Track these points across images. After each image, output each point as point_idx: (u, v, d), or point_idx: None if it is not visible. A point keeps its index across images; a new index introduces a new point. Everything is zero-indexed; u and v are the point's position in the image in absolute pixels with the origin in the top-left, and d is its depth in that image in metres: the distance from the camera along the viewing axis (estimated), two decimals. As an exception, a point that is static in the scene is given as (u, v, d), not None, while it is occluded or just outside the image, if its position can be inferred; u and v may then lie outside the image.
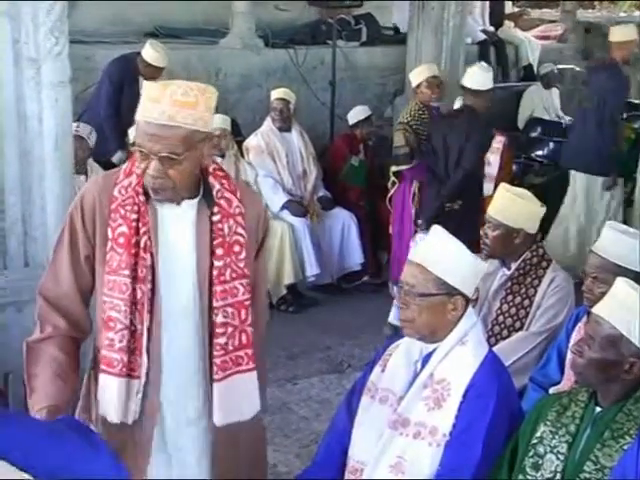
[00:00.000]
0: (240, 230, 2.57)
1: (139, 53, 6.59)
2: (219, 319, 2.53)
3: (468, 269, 2.66)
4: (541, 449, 2.46)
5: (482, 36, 10.10)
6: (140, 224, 2.49)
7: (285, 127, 6.43)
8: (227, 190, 2.57)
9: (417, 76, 6.05)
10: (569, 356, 3.16)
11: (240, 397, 2.59)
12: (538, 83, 9.16)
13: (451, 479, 2.54)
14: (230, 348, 2.56)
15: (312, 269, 6.20)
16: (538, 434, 2.48)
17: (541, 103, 9.06)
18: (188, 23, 8.56)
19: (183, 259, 2.55)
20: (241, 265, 2.56)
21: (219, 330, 2.54)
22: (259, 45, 8.29)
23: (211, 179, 2.55)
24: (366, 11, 9.08)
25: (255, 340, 2.65)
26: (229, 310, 2.55)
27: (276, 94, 6.47)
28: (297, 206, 6.25)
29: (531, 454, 2.48)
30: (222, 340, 2.54)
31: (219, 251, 2.53)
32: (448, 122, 5.70)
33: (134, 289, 2.50)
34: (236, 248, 2.56)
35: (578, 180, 6.79)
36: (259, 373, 2.69)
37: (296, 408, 4.73)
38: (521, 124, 8.88)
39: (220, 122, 6.11)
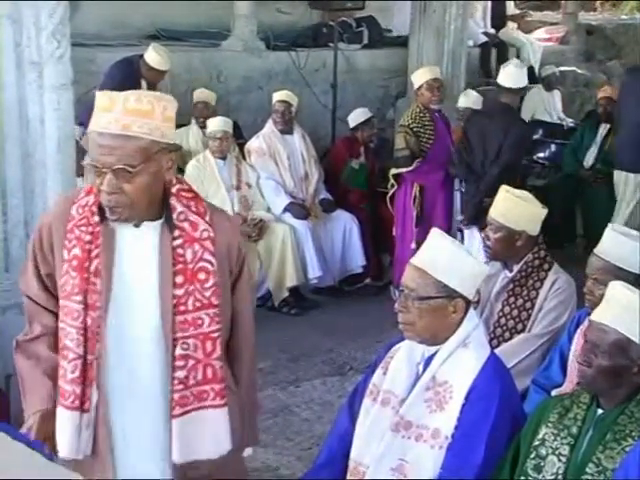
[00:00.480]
0: (207, 256, 2.38)
1: (141, 56, 6.60)
2: (178, 351, 2.36)
3: (468, 271, 2.65)
4: (543, 451, 2.46)
5: (484, 38, 10.11)
6: (93, 246, 2.34)
7: (287, 130, 6.43)
8: (193, 212, 2.38)
9: (418, 78, 6.05)
10: (571, 359, 3.17)
11: (203, 435, 2.42)
12: (540, 85, 9.16)
13: (453, 481, 2.54)
14: (191, 382, 2.38)
15: (314, 271, 6.20)
16: (540, 436, 2.49)
17: (542, 105, 9.07)
18: (190, 25, 8.57)
19: (143, 286, 2.38)
20: (207, 294, 2.38)
21: (178, 363, 2.36)
22: (261, 48, 8.30)
23: (173, 200, 2.37)
24: (368, 14, 9.09)
25: (240, 372, 2.55)
26: (190, 342, 2.37)
27: (278, 96, 6.48)
28: (299, 209, 6.25)
29: (533, 456, 2.48)
30: (181, 374, 2.37)
31: (179, 279, 2.35)
32: (485, 119, 5.83)
33: (86, 316, 2.35)
34: (201, 275, 2.37)
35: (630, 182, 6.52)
36: (248, 405, 2.60)
37: (298, 410, 4.73)
38: None
39: (222, 124, 6.12)
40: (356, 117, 6.90)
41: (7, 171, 3.37)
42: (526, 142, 5.99)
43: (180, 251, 2.36)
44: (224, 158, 6.12)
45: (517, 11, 11.93)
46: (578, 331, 3.17)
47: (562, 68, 9.60)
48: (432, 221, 5.80)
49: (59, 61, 3.35)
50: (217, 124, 6.13)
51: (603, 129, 7.49)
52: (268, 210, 6.23)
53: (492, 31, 10.55)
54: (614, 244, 3.10)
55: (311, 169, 6.52)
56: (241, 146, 6.58)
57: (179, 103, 7.27)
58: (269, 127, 6.44)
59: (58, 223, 2.38)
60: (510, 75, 5.71)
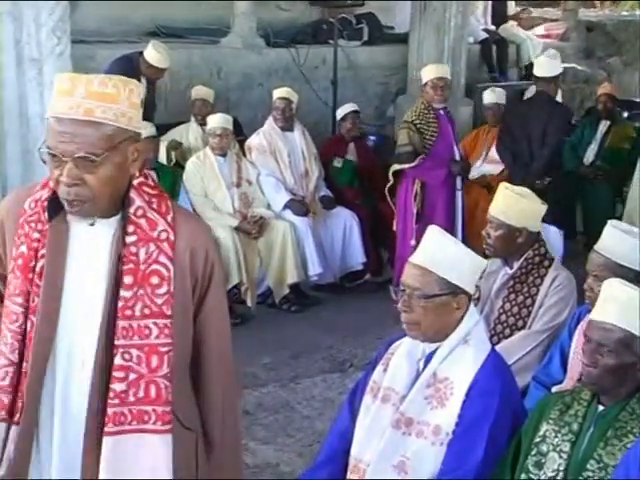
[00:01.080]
0: (163, 259, 2.13)
1: (141, 53, 6.60)
2: (117, 360, 2.10)
3: (468, 266, 2.66)
4: (544, 448, 2.46)
5: (484, 35, 10.10)
6: (40, 245, 2.13)
7: (287, 126, 6.43)
8: (153, 210, 2.14)
9: (425, 75, 6.03)
10: (571, 356, 3.18)
11: (137, 461, 2.14)
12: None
13: (454, 478, 2.54)
14: (130, 399, 2.12)
15: (314, 268, 6.19)
16: (541, 433, 2.49)
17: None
18: (190, 22, 8.57)
19: (91, 290, 2.15)
20: (158, 301, 2.12)
21: (116, 374, 2.10)
22: (260, 44, 8.29)
23: (132, 193, 2.13)
24: (368, 10, 9.08)
25: (210, 416, 2.28)
26: (133, 352, 2.12)
27: (278, 93, 6.47)
28: (299, 205, 6.25)
29: (534, 453, 2.48)
30: (119, 387, 2.11)
31: (128, 279, 2.11)
32: (526, 108, 6.19)
33: (25, 320, 2.13)
34: (154, 280, 2.12)
35: None
36: (227, 465, 2.36)
37: (298, 407, 4.73)
38: None
39: (221, 121, 6.12)
40: (342, 110, 6.94)
41: (8, 167, 3.37)
42: (568, 124, 6.37)
43: (132, 249, 2.12)
44: (224, 155, 6.11)
45: (518, 8, 11.92)
46: (579, 327, 3.17)
47: (562, 65, 9.59)
48: (433, 219, 5.78)
49: (59, 58, 3.36)
50: (217, 121, 6.12)
51: (603, 126, 7.49)
52: (268, 207, 6.23)
53: (492, 28, 10.53)
54: (614, 241, 3.11)
55: (311, 166, 6.51)
56: (241, 143, 6.58)
57: (179, 100, 7.27)
58: (269, 124, 6.43)
59: (11, 216, 2.18)
60: (543, 65, 6.11)
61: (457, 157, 6.09)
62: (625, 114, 8.41)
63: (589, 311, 2.74)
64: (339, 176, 6.76)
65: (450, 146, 6.06)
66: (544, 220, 5.72)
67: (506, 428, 2.58)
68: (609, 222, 3.19)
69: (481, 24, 10.43)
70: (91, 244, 2.15)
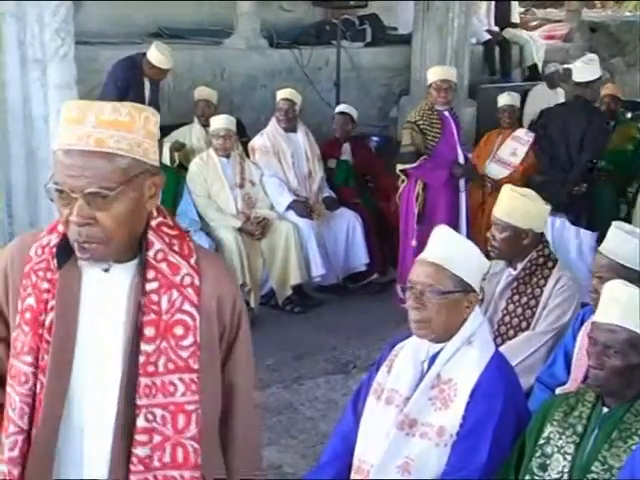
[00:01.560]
0: (188, 307, 1.92)
1: (144, 54, 6.60)
2: (140, 422, 1.89)
3: (477, 265, 2.69)
4: (548, 449, 2.46)
5: (487, 36, 10.09)
6: (50, 296, 1.91)
7: (290, 127, 6.42)
8: (175, 252, 1.94)
9: (430, 76, 6.04)
10: (575, 357, 3.17)
11: None
12: (543, 83, 9.15)
13: (458, 478, 2.53)
14: (155, 464, 1.91)
15: (317, 269, 6.19)
16: (545, 434, 2.48)
17: (546, 103, 9.04)
18: (193, 24, 8.58)
19: (108, 344, 1.93)
20: (184, 355, 1.91)
21: (139, 438, 1.90)
22: (264, 46, 8.30)
23: (151, 235, 1.92)
24: (371, 11, 9.08)
25: (235, 467, 2.07)
26: (157, 412, 1.91)
27: (282, 94, 6.47)
28: (302, 206, 6.24)
29: (538, 454, 2.47)
30: (142, 451, 1.90)
31: (149, 331, 1.90)
32: (565, 112, 6.19)
33: (35, 381, 1.91)
34: (178, 330, 1.91)
35: None
36: None
37: (302, 408, 4.72)
38: (526, 124, 8.87)
39: (225, 122, 6.12)
40: (337, 108, 6.99)
41: (11, 169, 3.37)
42: (606, 134, 6.36)
43: (154, 297, 1.90)
44: (228, 156, 6.11)
45: (521, 10, 11.91)
46: (582, 329, 3.16)
47: (565, 65, 9.58)
48: (434, 220, 5.78)
49: (63, 59, 3.36)
50: (220, 122, 6.12)
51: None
52: (271, 208, 6.23)
53: (496, 29, 10.52)
54: (618, 242, 3.11)
55: (314, 167, 6.51)
56: (244, 144, 6.58)
57: (182, 101, 7.27)
58: (273, 125, 6.43)
59: (16, 266, 1.96)
60: (579, 70, 6.12)
61: (461, 159, 6.08)
62: (628, 115, 8.39)
63: (593, 312, 2.74)
64: (334, 177, 6.77)
65: (454, 148, 6.05)
66: (577, 224, 5.90)
67: (510, 429, 2.58)
68: (613, 223, 3.19)
69: (484, 25, 10.43)
70: (106, 292, 1.93)
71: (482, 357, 2.62)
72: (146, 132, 1.89)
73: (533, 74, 10.34)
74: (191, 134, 6.80)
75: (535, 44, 10.54)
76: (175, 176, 5.99)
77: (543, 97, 8.98)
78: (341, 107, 7.03)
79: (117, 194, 1.82)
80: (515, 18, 11.21)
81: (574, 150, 5.99)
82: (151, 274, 1.91)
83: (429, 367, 2.66)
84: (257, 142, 6.39)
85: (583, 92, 6.06)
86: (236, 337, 2.03)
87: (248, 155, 6.40)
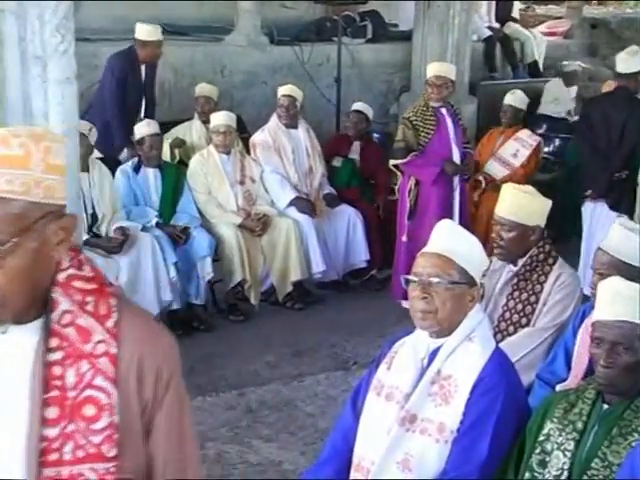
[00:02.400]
0: (101, 381, 1.58)
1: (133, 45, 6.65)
2: None
3: (480, 260, 2.72)
4: (548, 446, 2.46)
5: (488, 33, 10.09)
6: None
7: (291, 124, 6.42)
8: (88, 313, 1.59)
9: (427, 72, 6.06)
10: (575, 354, 3.17)
11: None
12: (557, 79, 9.13)
13: (458, 477, 2.53)
14: None
15: (318, 266, 6.19)
16: (545, 431, 2.48)
17: (562, 97, 9.02)
18: (194, 20, 8.58)
19: (6, 426, 1.59)
20: (95, 440, 1.57)
21: None
22: (264, 42, 8.30)
23: (57, 292, 1.59)
24: (371, 8, 9.07)
25: None
26: None
27: (283, 91, 6.46)
28: (305, 203, 6.25)
29: (538, 451, 2.47)
30: None
31: (52, 412, 1.56)
32: (607, 102, 6.29)
33: None
34: (88, 410, 1.57)
35: None
36: None
37: (302, 405, 4.73)
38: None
39: (225, 119, 6.11)
40: (354, 105, 6.95)
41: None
42: None
43: (56, 370, 1.57)
44: (228, 153, 6.11)
45: (522, 6, 11.90)
46: (583, 325, 3.16)
47: (565, 62, 9.58)
48: (425, 216, 5.80)
49: (63, 55, 3.36)
50: (220, 119, 6.12)
51: (608, 123, 7.47)
52: (271, 204, 6.23)
53: (496, 25, 10.51)
54: (620, 239, 3.11)
55: (315, 164, 6.51)
56: (245, 140, 6.58)
57: (182, 97, 7.26)
58: (274, 121, 6.42)
59: None
60: (624, 61, 6.22)
61: (455, 157, 6.04)
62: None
63: (593, 308, 2.74)
64: (337, 176, 6.73)
65: (447, 145, 6.02)
66: (616, 209, 5.95)
67: (511, 426, 2.58)
68: (616, 220, 3.19)
69: (485, 22, 10.42)
70: (3, 360, 1.59)
71: (483, 353, 2.61)
72: (46, 166, 1.53)
73: (534, 71, 10.34)
74: (191, 130, 6.79)
75: (536, 40, 10.53)
76: (176, 172, 6.00)
77: (560, 92, 8.97)
78: (358, 105, 6.96)
79: (11, 247, 1.51)
80: (515, 14, 11.20)
81: (615, 138, 6.09)
82: (54, 342, 1.57)
83: (429, 363, 2.65)
84: (258, 138, 6.38)
85: (627, 83, 6.14)
86: (160, 408, 1.67)
87: (249, 151, 6.40)
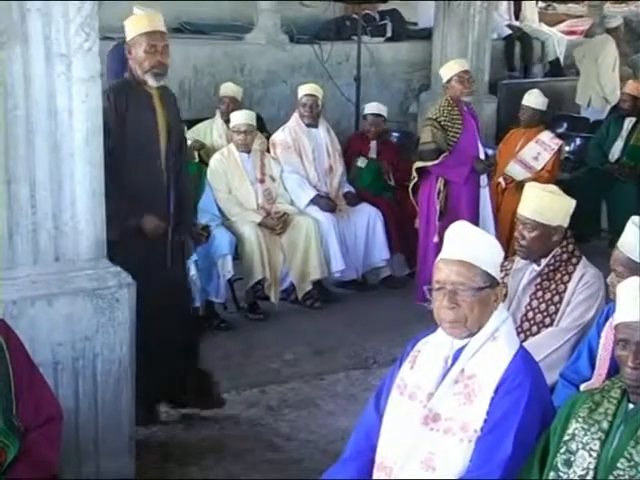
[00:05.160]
0: None
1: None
2: None
3: (499, 257, 2.71)
4: (573, 446, 2.44)
5: (508, 31, 10.06)
6: None
7: (313, 123, 6.42)
8: None
9: (447, 71, 6.01)
10: (600, 353, 3.16)
11: None
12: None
13: (481, 476, 2.52)
14: None
15: (337, 265, 6.20)
16: (570, 431, 2.47)
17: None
18: (214, 19, 8.60)
19: None
20: None
21: None
22: (284, 41, 8.31)
23: None
24: (391, 7, 9.08)
25: None
26: None
27: (305, 90, 6.45)
28: (327, 201, 6.26)
29: (563, 451, 2.46)
30: None
31: None
32: None
33: None
34: None
35: None
36: None
37: (322, 404, 4.73)
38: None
39: (246, 118, 6.12)
40: (367, 108, 6.95)
41: (36, 163, 3.38)
42: None
43: None
44: (248, 151, 6.12)
45: (542, 4, 11.86)
46: (607, 324, 3.15)
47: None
48: (457, 216, 5.75)
49: (87, 54, 3.35)
50: (241, 117, 6.13)
51: (628, 123, 7.43)
52: (291, 203, 6.24)
53: (516, 24, 10.48)
54: (633, 238, 3.11)
55: (335, 163, 6.51)
56: (266, 139, 6.58)
57: (202, 96, 7.26)
58: (295, 120, 6.42)
59: None
60: None
61: (482, 155, 6.06)
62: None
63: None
64: (361, 177, 6.73)
65: (474, 143, 6.03)
66: None
67: (535, 425, 2.57)
68: (631, 219, 3.18)
69: (505, 20, 10.39)
70: None
71: (507, 352, 2.60)
72: None
73: (555, 69, 10.30)
74: (212, 129, 6.79)
75: (556, 39, 10.49)
76: (196, 171, 6.00)
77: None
78: (373, 107, 6.94)
79: None
80: (535, 14, 11.16)
81: None
82: None
83: (453, 362, 2.65)
84: (278, 137, 6.39)
85: None
86: None
87: (269, 150, 6.41)
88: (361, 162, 6.75)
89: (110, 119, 3.94)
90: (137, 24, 4.25)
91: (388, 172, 6.80)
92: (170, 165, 4.22)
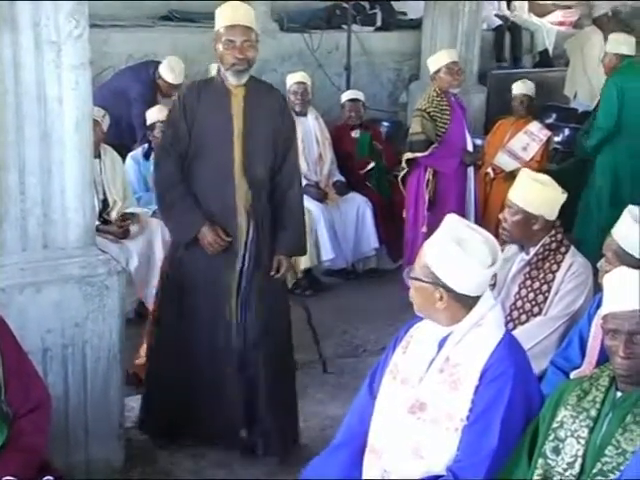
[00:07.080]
0: None
1: (157, 66, 6.60)
2: None
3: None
4: (562, 433, 2.46)
5: (498, 22, 10.05)
6: None
7: (302, 111, 6.42)
8: None
9: (435, 62, 5.99)
10: (590, 342, 3.17)
11: None
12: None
13: (469, 465, 2.53)
14: None
15: (327, 254, 6.21)
16: (559, 418, 2.48)
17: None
18: (203, 7, 8.54)
19: None
20: None
21: None
22: (274, 29, 8.28)
23: None
24: (381, -4, 9.06)
25: None
26: None
27: (294, 78, 6.45)
28: (317, 190, 6.26)
29: (551, 438, 2.47)
30: None
31: None
32: None
33: None
34: None
35: None
36: None
37: (312, 392, 4.73)
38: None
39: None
40: (345, 95, 6.93)
41: (25, 150, 3.37)
42: None
43: None
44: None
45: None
46: (598, 312, 3.16)
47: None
48: (445, 207, 5.78)
49: (77, 40, 3.34)
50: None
51: (617, 113, 7.43)
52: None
53: (507, 13, 10.47)
54: (625, 227, 3.13)
55: (325, 151, 6.51)
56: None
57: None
58: (284, 108, 6.40)
59: None
60: None
61: (470, 146, 6.07)
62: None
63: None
64: (360, 147, 6.71)
65: (463, 135, 6.03)
66: None
67: (520, 413, 2.57)
68: (627, 208, 3.18)
69: (495, 9, 10.38)
70: None
71: (491, 340, 2.60)
72: None
73: (545, 60, 10.30)
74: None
75: (545, 30, 10.49)
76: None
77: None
78: (350, 94, 6.94)
79: None
80: (524, 4, 11.16)
81: None
82: None
83: (439, 351, 2.65)
84: (268, 126, 6.36)
85: None
86: None
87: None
88: (355, 133, 6.73)
89: (178, 122, 3.80)
90: (220, 16, 4.02)
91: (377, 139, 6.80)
92: (255, 175, 3.84)
